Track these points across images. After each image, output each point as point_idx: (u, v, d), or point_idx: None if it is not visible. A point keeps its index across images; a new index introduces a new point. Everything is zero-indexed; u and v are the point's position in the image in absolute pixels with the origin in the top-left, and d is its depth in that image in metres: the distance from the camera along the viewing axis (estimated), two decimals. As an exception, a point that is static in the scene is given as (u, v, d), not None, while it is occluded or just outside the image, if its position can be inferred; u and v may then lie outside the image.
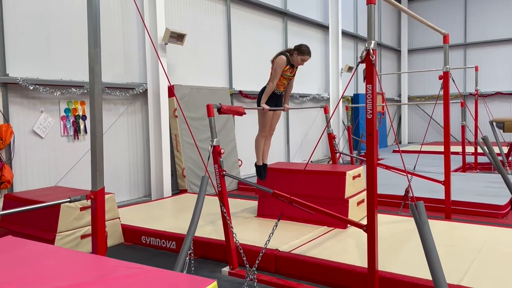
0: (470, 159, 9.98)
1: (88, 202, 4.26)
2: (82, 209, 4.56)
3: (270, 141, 5.36)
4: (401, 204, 5.77)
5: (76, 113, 6.46)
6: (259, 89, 5.19)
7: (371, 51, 2.94)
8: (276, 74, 4.88)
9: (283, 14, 10.87)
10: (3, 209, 5.01)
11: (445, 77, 5.30)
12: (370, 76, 2.98)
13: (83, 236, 4.57)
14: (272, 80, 4.92)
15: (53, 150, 6.19)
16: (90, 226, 4.08)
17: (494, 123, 9.60)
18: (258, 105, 5.06)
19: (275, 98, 5.06)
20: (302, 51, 4.87)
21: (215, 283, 1.73)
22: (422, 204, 2.66)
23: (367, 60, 2.97)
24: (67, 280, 1.81)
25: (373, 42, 2.96)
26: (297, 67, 5.08)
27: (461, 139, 9.71)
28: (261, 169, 5.28)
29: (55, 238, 4.38)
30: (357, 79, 14.51)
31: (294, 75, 5.11)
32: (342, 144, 12.56)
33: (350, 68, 12.61)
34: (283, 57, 4.86)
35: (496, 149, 8.15)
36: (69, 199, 3.19)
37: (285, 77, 4.99)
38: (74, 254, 2.25)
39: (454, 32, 16.11)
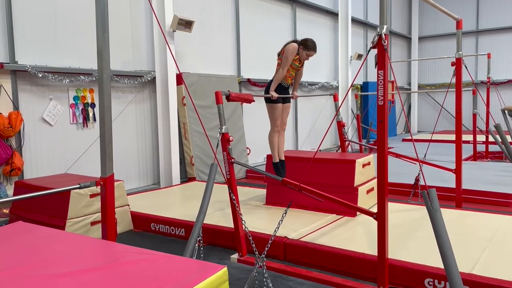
0: (481, 148, 9.87)
1: (97, 189, 4.29)
2: (91, 196, 4.59)
3: (283, 137, 5.17)
4: (411, 192, 5.74)
5: (85, 101, 6.47)
6: (267, 77, 5.13)
7: (383, 36, 2.88)
8: (287, 61, 4.72)
9: (291, 1, 10.73)
10: (14, 195, 5.06)
11: (457, 64, 5.20)
12: (381, 62, 2.93)
13: (93, 223, 4.60)
14: (282, 67, 4.76)
15: (62, 137, 6.22)
16: (99, 213, 4.11)
17: (506, 111, 9.45)
18: (266, 101, 4.91)
19: (282, 90, 4.92)
20: (308, 47, 4.70)
21: (225, 269, 1.72)
22: (434, 192, 2.62)
23: (379, 45, 2.92)
24: (77, 264, 1.81)
25: (385, 27, 2.90)
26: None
27: (472, 128, 9.59)
28: (279, 166, 5.07)
29: (65, 225, 4.41)
30: (367, 67, 14.35)
31: (302, 65, 4.98)
32: (351, 133, 12.48)
33: (359, 56, 12.46)
34: (295, 44, 4.72)
35: (508, 138, 8.04)
36: (79, 185, 3.19)
37: (294, 67, 4.86)
38: (84, 240, 2.25)
39: (466, 19, 15.80)
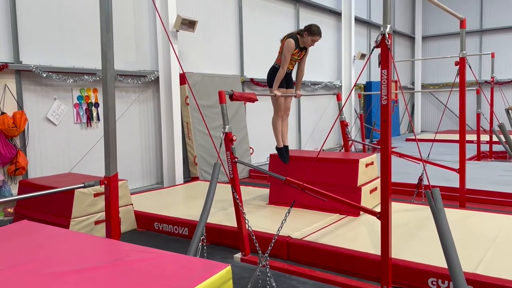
0: (484, 147, 9.83)
1: (101, 188, 4.31)
2: (95, 195, 4.60)
3: (287, 121, 5.37)
4: (414, 192, 5.72)
5: (89, 101, 6.49)
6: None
7: (387, 35, 2.88)
8: (286, 59, 4.91)
9: (295, 0, 10.73)
10: (18, 195, 5.08)
11: (461, 63, 5.19)
12: (385, 61, 2.93)
13: (97, 222, 4.62)
14: (282, 66, 4.96)
15: (66, 137, 6.24)
16: (103, 212, 4.12)
17: (510, 111, 9.43)
18: (269, 85, 5.09)
19: (285, 76, 5.09)
20: (313, 32, 4.86)
21: (229, 267, 1.73)
22: (438, 191, 2.62)
23: (383, 44, 2.92)
24: (82, 262, 1.82)
25: (388, 26, 2.90)
26: (306, 51, 5.05)
27: (476, 127, 9.56)
28: (283, 151, 5.23)
29: (69, 224, 4.43)
30: (370, 66, 14.32)
31: (302, 58, 5.13)
32: (354, 133, 12.46)
33: (363, 56, 12.44)
34: (292, 41, 4.87)
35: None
36: (83, 185, 3.21)
37: (292, 60, 5.05)
38: (89, 238, 2.27)
39: (469, 18, 15.70)
